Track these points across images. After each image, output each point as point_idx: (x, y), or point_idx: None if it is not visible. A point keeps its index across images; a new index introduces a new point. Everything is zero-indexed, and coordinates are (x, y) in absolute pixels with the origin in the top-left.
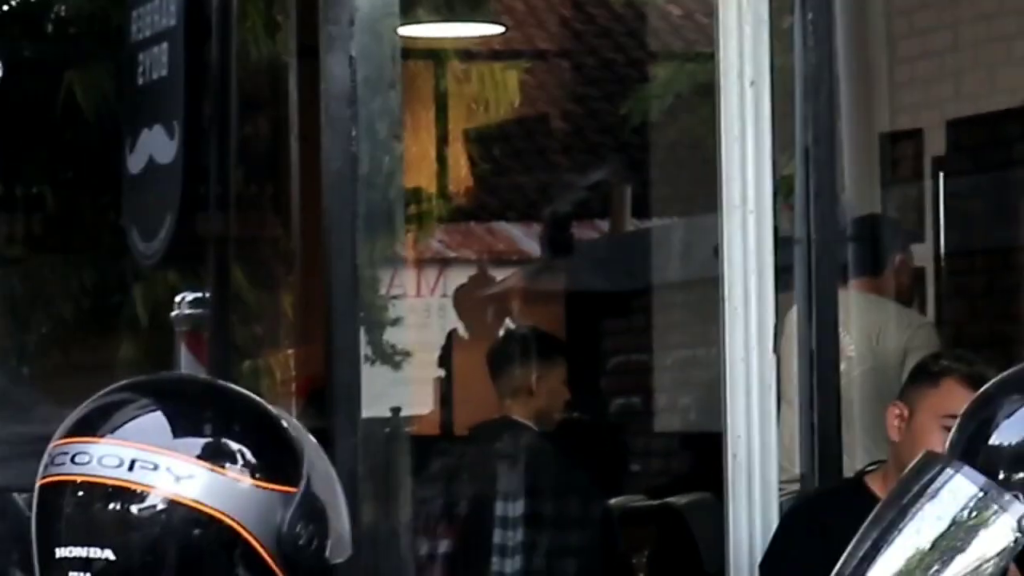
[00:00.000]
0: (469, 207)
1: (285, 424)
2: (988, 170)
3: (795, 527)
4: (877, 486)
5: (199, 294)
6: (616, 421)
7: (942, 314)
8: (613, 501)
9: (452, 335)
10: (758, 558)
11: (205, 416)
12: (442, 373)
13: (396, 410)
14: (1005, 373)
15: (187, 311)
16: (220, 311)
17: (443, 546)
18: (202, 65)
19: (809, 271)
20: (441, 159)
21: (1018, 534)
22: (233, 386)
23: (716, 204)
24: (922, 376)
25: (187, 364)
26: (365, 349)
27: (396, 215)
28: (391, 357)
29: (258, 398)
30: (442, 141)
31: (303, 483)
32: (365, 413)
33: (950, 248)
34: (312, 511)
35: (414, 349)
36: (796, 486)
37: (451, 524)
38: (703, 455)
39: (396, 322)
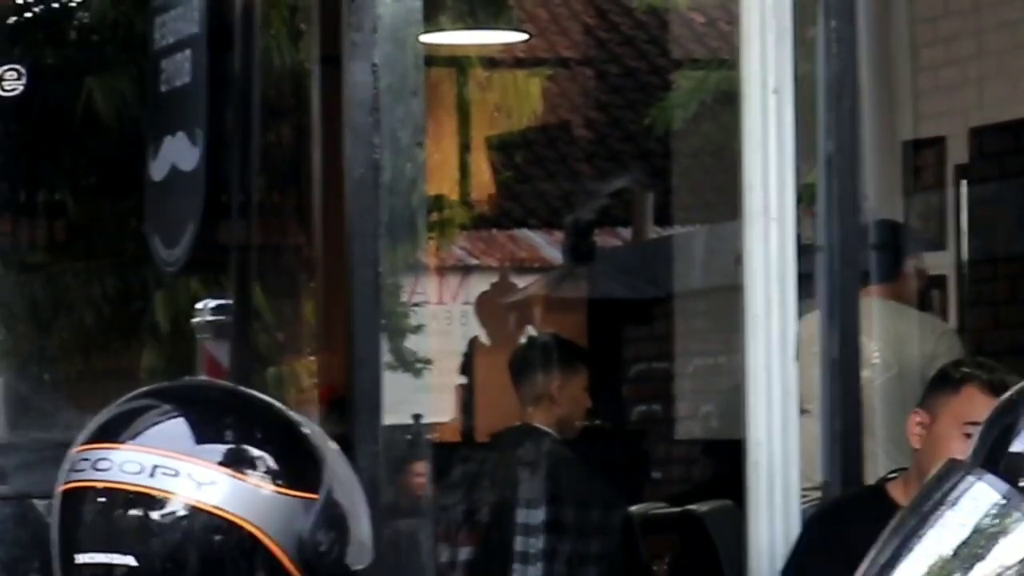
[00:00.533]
0: (491, 214)
1: (307, 431)
2: (1011, 177)
3: (816, 535)
4: (898, 494)
5: (221, 301)
6: (637, 428)
7: (964, 322)
8: (634, 509)
9: (474, 342)
10: (779, 566)
11: (226, 423)
12: (464, 380)
13: (417, 417)
14: None
15: (209, 318)
16: (242, 318)
17: (464, 553)
18: (225, 72)
19: (831, 279)
20: (463, 167)
21: None
22: (255, 393)
23: (738, 212)
24: (943, 383)
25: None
26: (386, 356)
27: (418, 222)
28: (412, 364)
29: (280, 405)
30: (464, 149)
31: (324, 490)
32: (386, 420)
33: (973, 256)
34: (333, 518)
35: (436, 356)
36: (818, 494)
37: (472, 531)
38: (724, 462)
39: (418, 329)
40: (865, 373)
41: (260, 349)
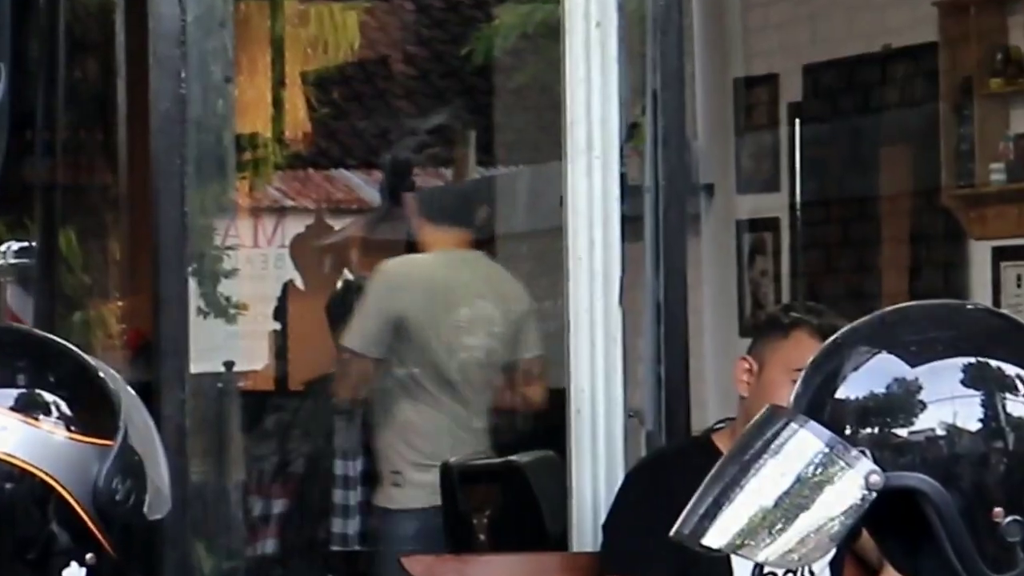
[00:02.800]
0: (307, 154)
1: (103, 376)
2: (845, 116)
3: (637, 486)
4: (725, 444)
5: (25, 244)
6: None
7: (797, 266)
8: (452, 460)
9: (288, 286)
10: (602, 518)
11: (19, 367)
12: (277, 326)
13: (229, 364)
14: (853, 323)
15: (12, 260)
16: (47, 260)
17: (279, 506)
18: (28, 5)
19: (657, 220)
20: (278, 103)
21: (865, 492)
22: (50, 337)
23: (563, 151)
24: (771, 328)
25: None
26: (197, 301)
27: (228, 161)
28: (225, 310)
29: (76, 350)
30: (279, 85)
31: (120, 436)
32: (196, 367)
33: (806, 198)
34: (129, 465)
35: (250, 301)
36: None
37: (287, 483)
38: (548, 411)
39: (231, 273)
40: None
41: (67, 292)
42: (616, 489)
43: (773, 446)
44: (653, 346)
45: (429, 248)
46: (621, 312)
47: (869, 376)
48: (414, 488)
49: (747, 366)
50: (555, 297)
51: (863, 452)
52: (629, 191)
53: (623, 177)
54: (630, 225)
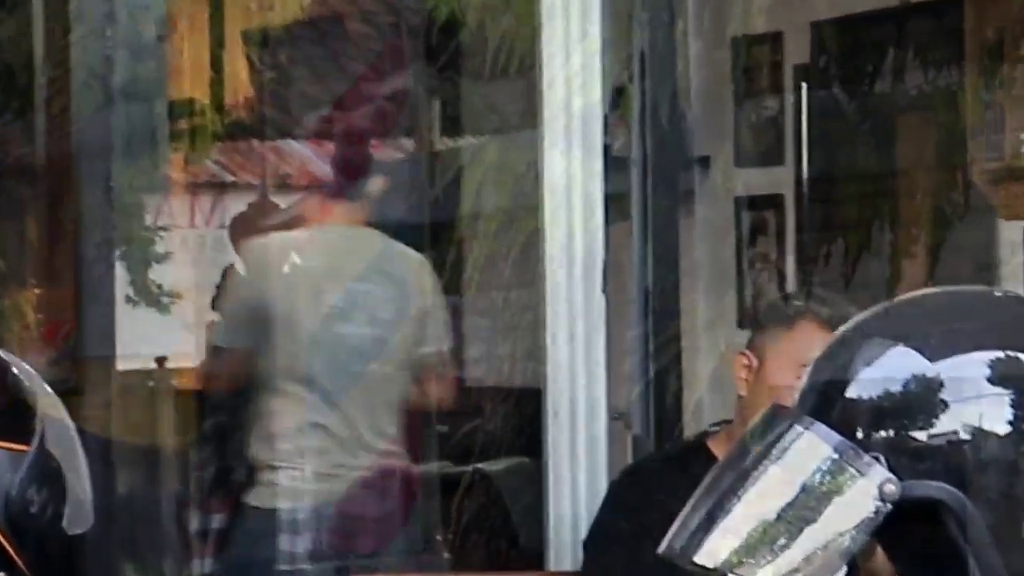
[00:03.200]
0: (250, 123)
1: (17, 374)
2: (858, 81)
3: (623, 498)
4: (721, 450)
5: None
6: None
7: (803, 249)
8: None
9: (228, 272)
10: (583, 533)
11: None
12: (217, 317)
13: (161, 360)
14: (865, 312)
15: None
16: None
17: (217, 521)
18: None
19: (645, 196)
20: (217, 66)
21: (879, 503)
22: None
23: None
24: (774, 319)
25: None
26: (125, 289)
27: (161, 131)
28: (157, 298)
29: None
30: (218, 45)
31: (36, 441)
32: (123, 364)
33: (813, 172)
34: (46, 473)
35: (185, 289)
36: None
37: (227, 495)
38: (522, 413)
39: (163, 258)
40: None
41: None
42: (599, 501)
43: (775, 451)
44: (641, 339)
45: (311, 223)
46: (604, 301)
47: (884, 372)
48: (267, 488)
49: (746, 362)
50: (529, 285)
51: (876, 458)
52: (613, 164)
53: (606, 149)
54: (614, 203)
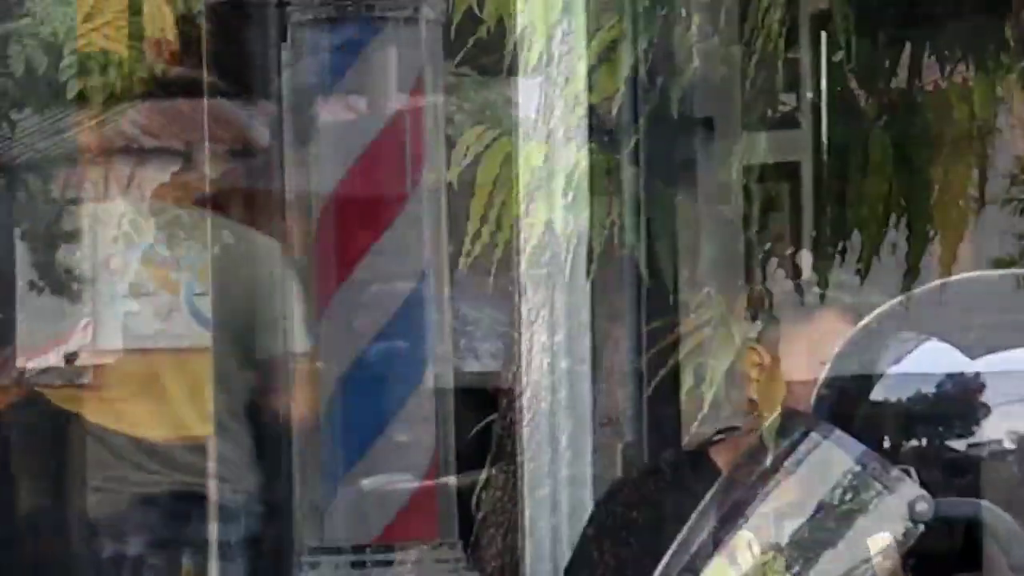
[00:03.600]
0: (175, 78)
1: None
2: (887, 28)
3: (611, 516)
4: (725, 461)
5: None
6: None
7: (821, 226)
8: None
9: (149, 252)
10: (564, 559)
11: None
12: (136, 307)
13: (71, 357)
14: (893, 301)
15: None
16: None
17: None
18: None
19: (637, 166)
20: (135, 10)
21: (909, 524)
22: None
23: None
24: (789, 308)
25: None
26: (27, 273)
27: (69, 87)
28: (65, 284)
29: None
30: None
31: None
32: (25, 361)
33: (834, 137)
34: None
35: (99, 272)
36: None
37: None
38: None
39: (72, 236)
40: None
41: None
42: (581, 519)
43: (788, 463)
44: (632, 333)
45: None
46: (589, 288)
47: (914, 370)
48: None
49: (757, 358)
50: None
51: (906, 471)
52: (600, 128)
53: (591, 109)
54: (601, 173)
